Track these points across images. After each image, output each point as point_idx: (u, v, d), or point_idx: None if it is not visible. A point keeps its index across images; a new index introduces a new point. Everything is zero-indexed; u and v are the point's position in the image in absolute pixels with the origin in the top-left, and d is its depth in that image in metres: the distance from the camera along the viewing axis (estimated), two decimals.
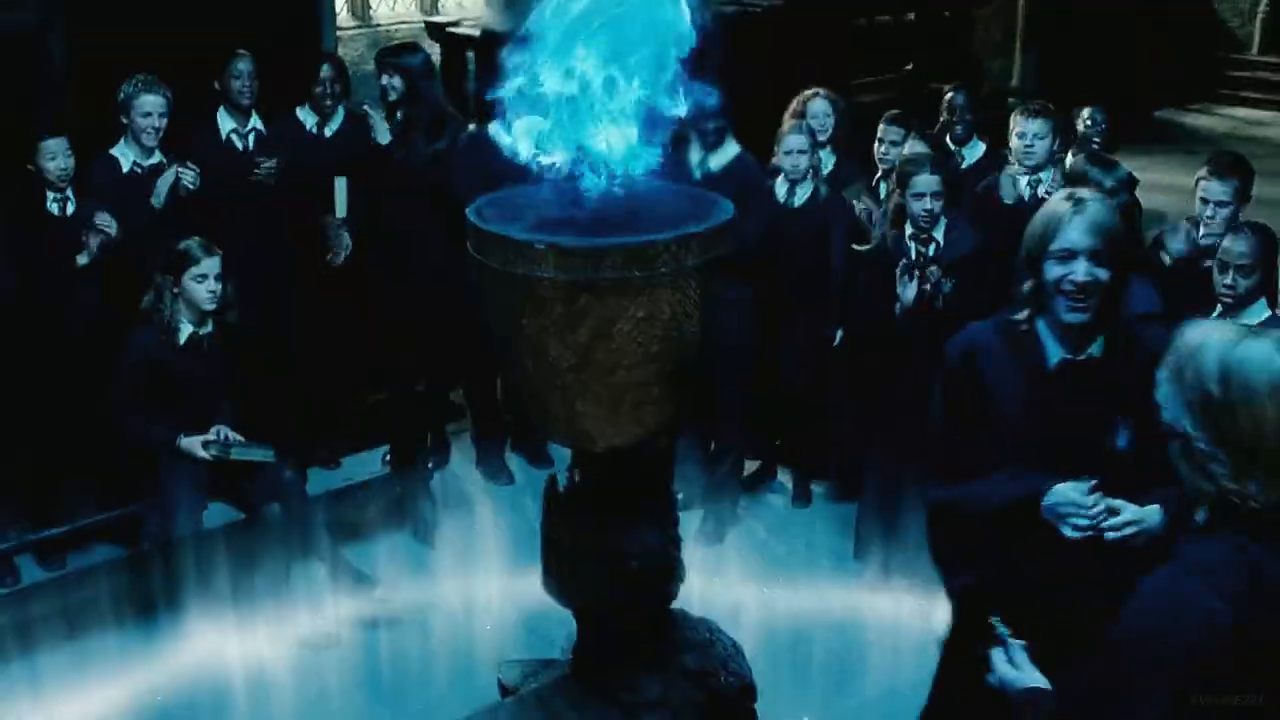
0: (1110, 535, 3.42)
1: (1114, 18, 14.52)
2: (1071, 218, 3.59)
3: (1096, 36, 14.27)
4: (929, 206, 6.12)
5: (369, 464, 7.54)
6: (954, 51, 13.78)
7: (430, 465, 7.50)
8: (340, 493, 7.00)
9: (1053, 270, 3.59)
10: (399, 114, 7.35)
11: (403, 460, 7.41)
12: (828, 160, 7.33)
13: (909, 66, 12.99)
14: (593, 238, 2.82)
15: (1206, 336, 2.73)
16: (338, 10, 10.41)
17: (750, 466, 7.56)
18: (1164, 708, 2.63)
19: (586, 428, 3.03)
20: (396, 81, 7.31)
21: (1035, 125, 7.00)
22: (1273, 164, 13.93)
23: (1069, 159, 7.08)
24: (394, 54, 7.46)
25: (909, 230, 6.20)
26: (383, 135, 7.26)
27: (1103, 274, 3.56)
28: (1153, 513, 3.44)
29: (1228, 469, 2.67)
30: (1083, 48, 14.13)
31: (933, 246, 6.17)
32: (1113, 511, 3.45)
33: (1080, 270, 3.55)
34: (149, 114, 6.73)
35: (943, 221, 6.21)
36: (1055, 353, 3.68)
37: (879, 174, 7.41)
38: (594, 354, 2.90)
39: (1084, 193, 3.76)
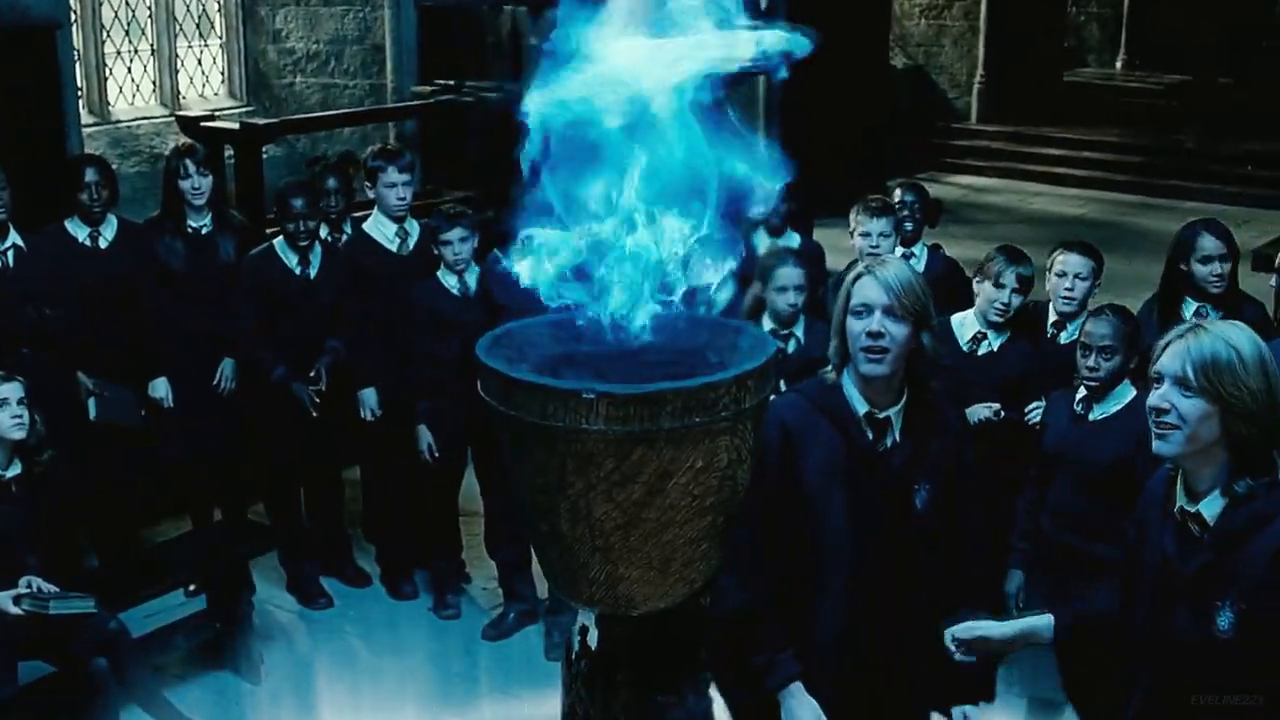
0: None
1: (845, 94, 14.86)
2: (868, 277, 3.79)
3: (831, 113, 14.57)
4: (792, 301, 5.98)
5: (170, 601, 6.93)
6: None
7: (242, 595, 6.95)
8: (153, 635, 6.39)
9: (852, 326, 3.77)
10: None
11: (213, 593, 6.85)
12: None
13: None
14: (644, 384, 2.50)
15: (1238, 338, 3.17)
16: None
17: None
18: None
19: (629, 593, 2.71)
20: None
21: (879, 224, 6.58)
22: (1002, 230, 14.53)
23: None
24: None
25: (768, 325, 6.03)
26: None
27: (897, 329, 3.73)
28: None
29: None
30: (819, 124, 14.41)
31: (792, 343, 6.02)
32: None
33: (875, 320, 3.71)
34: None
35: (802, 319, 6.07)
36: (861, 405, 3.82)
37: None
38: (646, 511, 2.59)
39: (887, 257, 4.10)
